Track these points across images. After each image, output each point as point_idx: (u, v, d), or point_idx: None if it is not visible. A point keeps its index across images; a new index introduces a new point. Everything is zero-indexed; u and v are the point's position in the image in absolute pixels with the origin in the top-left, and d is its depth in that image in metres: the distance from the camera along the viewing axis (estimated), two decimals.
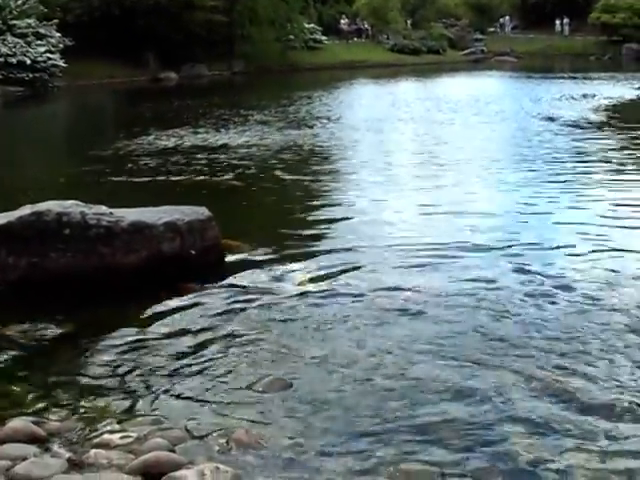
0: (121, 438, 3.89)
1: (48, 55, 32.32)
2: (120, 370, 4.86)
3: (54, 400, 4.46)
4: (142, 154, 13.99)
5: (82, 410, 4.31)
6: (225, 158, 13.25)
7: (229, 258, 7.11)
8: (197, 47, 39.04)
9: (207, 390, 4.53)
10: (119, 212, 6.59)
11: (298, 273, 6.71)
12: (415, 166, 12.51)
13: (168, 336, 5.38)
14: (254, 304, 5.95)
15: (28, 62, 31.25)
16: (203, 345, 5.20)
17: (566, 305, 5.78)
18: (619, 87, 27.25)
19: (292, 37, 44.84)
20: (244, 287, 6.37)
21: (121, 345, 5.24)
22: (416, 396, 4.37)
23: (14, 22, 32.05)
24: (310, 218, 8.90)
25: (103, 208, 6.55)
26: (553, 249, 7.32)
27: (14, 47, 31.27)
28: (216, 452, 3.80)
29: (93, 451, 3.73)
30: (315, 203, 9.69)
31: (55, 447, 3.83)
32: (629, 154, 12.75)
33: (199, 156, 13.50)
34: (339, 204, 9.61)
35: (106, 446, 3.82)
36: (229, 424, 4.08)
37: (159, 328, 5.53)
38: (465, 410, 4.19)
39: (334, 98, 25.83)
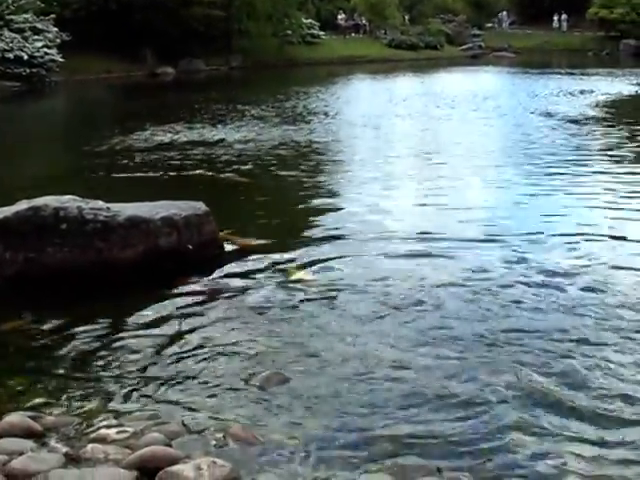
0: (118, 433, 3.90)
1: (45, 50, 32.19)
2: (117, 365, 4.86)
3: (51, 395, 4.46)
4: (139, 149, 13.97)
5: (79, 405, 4.31)
6: (222, 153, 13.23)
7: (226, 252, 7.10)
8: (194, 42, 38.92)
9: (204, 385, 4.53)
10: (116, 207, 6.58)
11: (295, 267, 6.71)
12: (412, 161, 12.51)
13: (165, 331, 5.38)
14: (251, 299, 5.96)
15: (25, 57, 31.12)
16: (200, 340, 5.20)
17: (562, 297, 5.81)
18: (617, 83, 27.23)
19: (290, 32, 44.73)
20: (241, 282, 6.37)
21: (118, 340, 5.25)
22: (412, 391, 4.38)
23: (11, 17, 31.93)
24: (307, 212, 8.91)
25: (100, 203, 6.54)
26: (549, 241, 7.37)
27: (11, 42, 31.15)
28: (213, 447, 3.80)
29: (90, 446, 3.73)
30: (312, 198, 9.68)
31: (52, 442, 3.84)
32: (627, 149, 12.76)
33: (195, 151, 13.49)
34: (336, 199, 9.61)
35: (103, 441, 3.82)
36: (226, 419, 4.09)
37: (156, 323, 5.54)
38: (462, 405, 4.20)
39: (331, 93, 25.81)
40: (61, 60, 32.68)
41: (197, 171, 11.65)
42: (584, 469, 3.61)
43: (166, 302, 5.95)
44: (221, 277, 6.52)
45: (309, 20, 47.99)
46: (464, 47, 54.97)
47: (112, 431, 3.91)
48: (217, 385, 4.52)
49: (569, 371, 4.57)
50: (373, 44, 51.40)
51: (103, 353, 5.04)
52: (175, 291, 6.17)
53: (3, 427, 3.88)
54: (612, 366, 4.64)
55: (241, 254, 7.13)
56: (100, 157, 13.32)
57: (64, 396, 4.44)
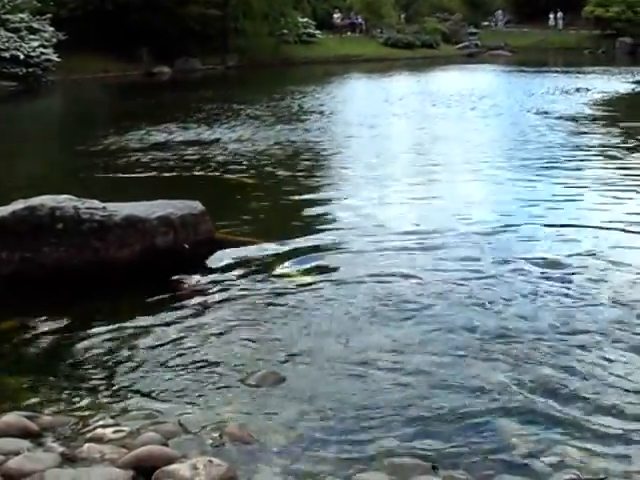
0: (114, 432, 3.89)
1: (41, 50, 32.17)
2: (113, 364, 4.86)
3: (47, 395, 4.46)
4: (135, 149, 13.96)
5: (75, 404, 4.31)
6: (217, 153, 13.22)
7: (222, 251, 7.11)
8: (191, 41, 38.93)
9: (200, 384, 4.53)
10: (112, 206, 6.58)
11: (290, 266, 6.71)
12: (408, 160, 12.53)
13: (161, 330, 5.37)
14: (247, 297, 5.96)
15: (21, 57, 31.10)
16: (196, 339, 5.20)
17: (554, 293, 5.84)
18: (613, 81, 27.26)
19: (286, 31, 44.75)
20: (237, 280, 6.38)
21: (115, 339, 5.25)
22: (408, 389, 4.38)
23: (7, 16, 31.90)
24: (302, 211, 8.92)
25: (96, 202, 6.54)
26: (545, 237, 7.45)
27: (7, 42, 31.13)
28: (209, 446, 3.80)
29: (86, 445, 3.73)
30: (307, 197, 9.69)
31: (48, 441, 3.83)
32: (623, 146, 12.77)
33: (191, 151, 13.48)
34: (331, 198, 9.63)
35: (99, 440, 3.82)
36: (222, 418, 4.09)
37: (153, 322, 5.53)
38: (458, 403, 4.20)
39: (327, 93, 25.79)
40: (57, 60, 32.67)
41: (193, 171, 11.65)
42: (581, 467, 3.61)
43: (162, 301, 5.95)
44: (217, 276, 6.52)
45: (305, 19, 48.00)
46: (460, 46, 55.01)
47: (108, 430, 3.91)
48: (213, 384, 4.52)
49: (566, 370, 4.57)
50: (369, 43, 51.40)
51: (99, 352, 5.04)
52: (171, 290, 6.17)
53: None
54: (610, 362, 4.65)
55: (237, 253, 7.13)
56: (96, 156, 13.30)
57: (60, 396, 4.43)
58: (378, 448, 3.78)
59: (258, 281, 6.35)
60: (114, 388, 4.52)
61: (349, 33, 53.23)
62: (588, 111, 18.27)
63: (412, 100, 22.52)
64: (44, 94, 31.28)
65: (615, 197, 9.00)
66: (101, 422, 4.04)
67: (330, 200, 9.46)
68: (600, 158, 11.85)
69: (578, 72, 32.09)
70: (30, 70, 31.65)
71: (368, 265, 6.69)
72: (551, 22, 57.79)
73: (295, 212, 8.98)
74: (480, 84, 27.76)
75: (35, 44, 31.94)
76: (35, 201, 6.37)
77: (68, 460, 3.61)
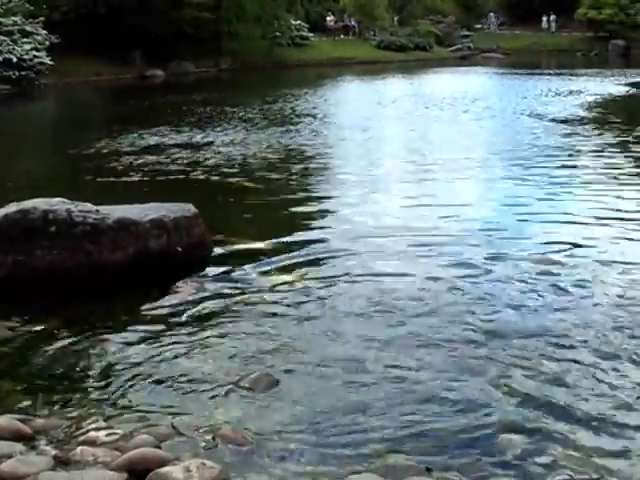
0: (107, 435, 3.89)
1: (34, 53, 32.08)
2: (106, 367, 4.86)
3: (40, 397, 4.45)
4: (127, 152, 13.94)
5: (68, 407, 4.30)
6: (210, 156, 13.20)
7: (215, 254, 7.10)
8: (184, 44, 38.89)
9: (193, 387, 4.53)
10: (105, 209, 6.57)
11: (284, 268, 6.72)
12: (401, 163, 12.51)
13: (154, 333, 5.37)
14: (240, 300, 5.96)
15: (14, 60, 31.02)
16: (189, 341, 5.19)
17: (548, 291, 5.87)
18: (606, 83, 27.35)
19: (279, 34, 44.74)
20: (230, 283, 6.37)
21: (107, 342, 5.24)
22: (402, 391, 4.39)
23: (0, 20, 31.88)
24: (295, 214, 8.94)
25: (89, 205, 6.53)
26: (539, 237, 7.48)
27: (0, 45, 31.10)
28: (202, 448, 3.80)
29: (79, 448, 3.73)
30: (300, 199, 9.69)
31: (41, 444, 3.83)
32: (616, 148, 12.82)
33: (184, 154, 13.46)
34: (324, 200, 9.64)
35: (92, 443, 3.81)
36: (215, 420, 4.09)
37: (145, 325, 5.53)
38: (451, 405, 4.21)
39: (320, 95, 25.80)
40: (50, 63, 32.59)
41: (186, 174, 11.65)
42: (573, 468, 3.62)
43: (156, 304, 5.94)
44: (210, 279, 6.52)
45: (298, 22, 47.99)
46: (453, 48, 55.13)
47: (101, 433, 3.91)
48: (206, 387, 4.52)
49: (559, 370, 4.59)
50: (362, 45, 51.45)
51: (93, 355, 5.04)
52: (165, 293, 6.16)
53: None
54: (602, 365, 4.66)
55: (230, 256, 7.13)
56: (89, 160, 13.29)
57: (53, 399, 4.43)
58: (372, 449, 3.79)
59: (251, 284, 6.35)
60: (107, 391, 4.52)
61: (342, 36, 53.26)
62: (581, 113, 18.32)
63: (405, 103, 22.54)
64: (37, 97, 31.23)
65: (607, 196, 9.10)
66: (94, 425, 4.04)
67: (323, 202, 9.48)
68: (593, 159, 11.90)
69: (571, 74, 32.18)
70: (23, 73, 31.57)
71: (363, 266, 6.70)
72: (544, 24, 57.91)
73: (288, 214, 9.00)
74: (473, 86, 27.82)
75: (28, 47, 31.87)
76: (28, 204, 6.35)
77: (61, 463, 3.60)
